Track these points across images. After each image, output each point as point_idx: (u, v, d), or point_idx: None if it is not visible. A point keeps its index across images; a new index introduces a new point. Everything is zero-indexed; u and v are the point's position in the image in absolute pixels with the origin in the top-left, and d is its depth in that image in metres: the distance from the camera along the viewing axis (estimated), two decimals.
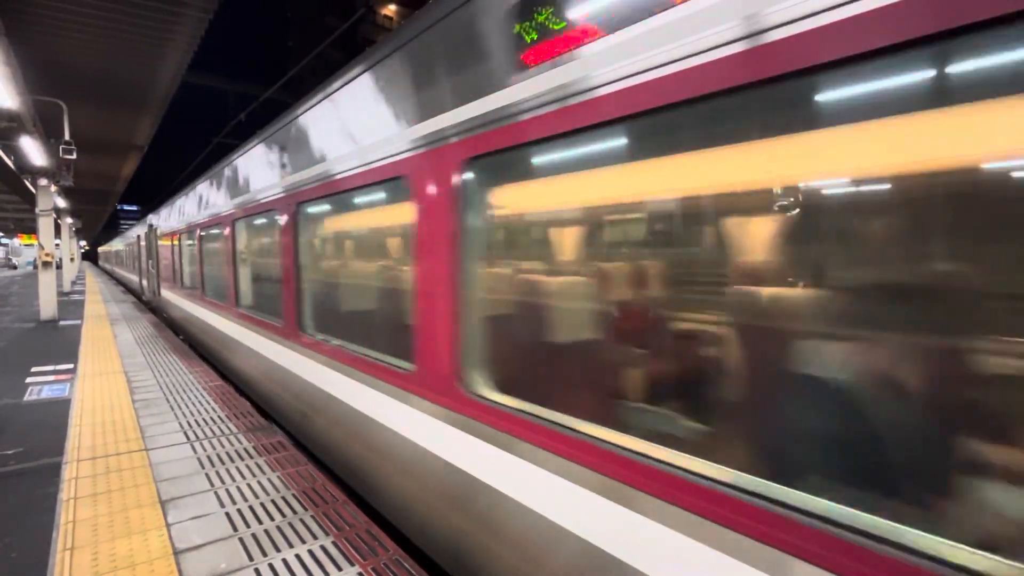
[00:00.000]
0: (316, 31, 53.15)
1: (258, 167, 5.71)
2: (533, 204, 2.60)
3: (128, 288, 26.74)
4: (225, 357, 7.64)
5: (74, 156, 10.58)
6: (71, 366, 7.70)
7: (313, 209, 4.60)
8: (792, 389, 1.60)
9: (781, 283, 1.62)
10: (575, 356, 2.33)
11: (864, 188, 1.45)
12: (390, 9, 53.04)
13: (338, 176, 3.78)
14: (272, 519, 3.31)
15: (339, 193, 3.85)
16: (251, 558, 2.89)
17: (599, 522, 1.94)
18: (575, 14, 1.96)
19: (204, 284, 8.91)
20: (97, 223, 49.25)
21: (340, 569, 2.81)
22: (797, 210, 1.57)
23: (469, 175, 2.59)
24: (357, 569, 2.81)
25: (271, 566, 2.82)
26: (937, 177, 1.26)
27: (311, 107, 4.22)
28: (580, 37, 1.94)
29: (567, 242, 2.40)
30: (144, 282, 18.72)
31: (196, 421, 5.23)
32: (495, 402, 2.46)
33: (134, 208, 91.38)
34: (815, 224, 1.56)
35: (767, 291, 1.64)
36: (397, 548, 3.02)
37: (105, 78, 10.29)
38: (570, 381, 2.35)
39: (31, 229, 39.96)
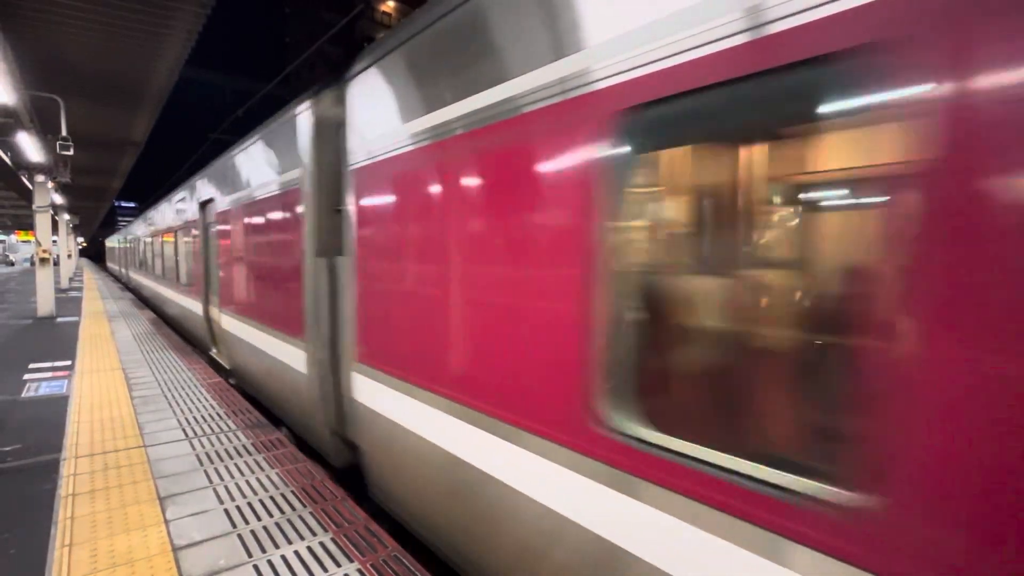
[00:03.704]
0: (314, 26, 52.96)
1: None
2: None
3: None
4: None
5: (71, 152, 10.55)
6: (69, 363, 7.69)
7: None
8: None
9: None
10: None
11: None
12: (388, 5, 52.85)
13: None
14: (271, 516, 3.31)
15: None
16: (250, 554, 2.90)
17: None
18: None
19: None
20: (94, 220, 49.08)
21: (339, 565, 2.81)
22: None
23: None
24: (356, 565, 2.81)
25: (270, 562, 2.82)
26: None
27: None
28: None
29: None
30: None
31: (195, 418, 5.23)
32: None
33: (131, 205, 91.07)
34: None
35: None
36: (396, 544, 3.02)
37: (102, 73, 10.23)
38: None
39: (28, 226, 39.75)
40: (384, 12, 52.88)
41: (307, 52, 8.76)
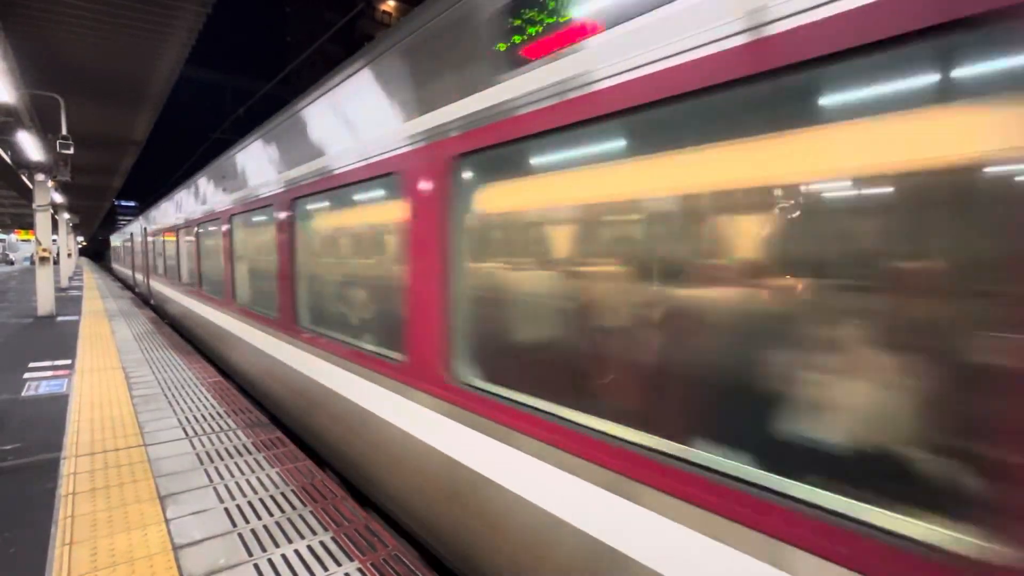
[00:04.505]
0: (315, 26, 52.99)
1: None
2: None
3: None
4: None
5: (71, 151, 10.55)
6: (69, 362, 7.69)
7: None
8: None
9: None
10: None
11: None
12: (389, 5, 52.84)
13: None
14: (271, 515, 3.31)
15: None
16: (250, 553, 2.90)
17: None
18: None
19: None
20: (94, 219, 49.09)
21: (339, 564, 2.81)
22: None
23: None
24: (356, 564, 2.81)
25: (270, 561, 2.82)
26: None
27: None
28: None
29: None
30: None
31: (195, 417, 5.23)
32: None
33: (131, 204, 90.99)
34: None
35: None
36: (396, 544, 3.02)
37: (102, 73, 10.24)
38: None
39: (28, 225, 39.76)
40: (384, 11, 52.86)
41: (308, 51, 8.75)
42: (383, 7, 52.72)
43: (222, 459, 4.19)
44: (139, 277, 18.58)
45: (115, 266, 35.99)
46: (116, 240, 34.36)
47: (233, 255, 6.79)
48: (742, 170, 1.70)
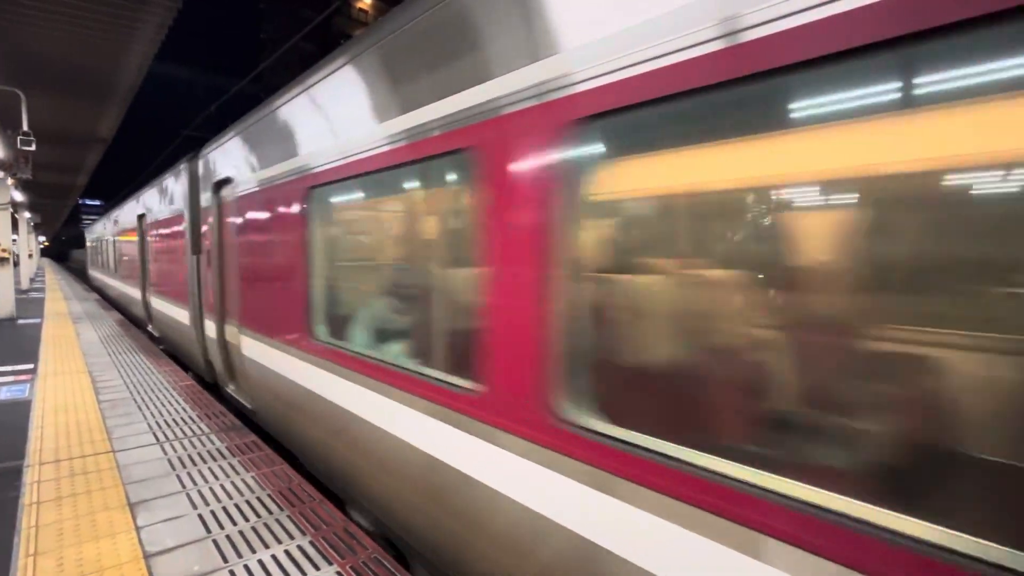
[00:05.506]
0: (289, 23, 52.09)
1: None
2: None
3: None
4: None
5: (33, 148, 10.15)
6: (31, 366, 7.41)
7: None
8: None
9: None
10: None
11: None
12: (365, 2, 52.30)
13: None
14: (247, 520, 3.26)
15: None
16: (226, 560, 2.84)
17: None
18: None
19: None
20: (57, 218, 47.28)
21: (318, 568, 2.78)
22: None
23: None
24: (335, 568, 2.79)
25: (247, 567, 2.78)
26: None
27: None
28: None
29: None
30: None
31: (166, 421, 5.09)
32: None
33: (97, 203, 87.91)
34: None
35: None
36: (375, 546, 3.00)
37: (66, 67, 9.88)
38: None
39: None
40: (361, 9, 52.30)
41: (282, 48, 8.60)
42: (359, 4, 52.15)
43: (195, 464, 4.10)
44: (172, 314, 8.37)
45: (94, 274, 22.25)
46: (97, 233, 20.10)
47: None
48: None
